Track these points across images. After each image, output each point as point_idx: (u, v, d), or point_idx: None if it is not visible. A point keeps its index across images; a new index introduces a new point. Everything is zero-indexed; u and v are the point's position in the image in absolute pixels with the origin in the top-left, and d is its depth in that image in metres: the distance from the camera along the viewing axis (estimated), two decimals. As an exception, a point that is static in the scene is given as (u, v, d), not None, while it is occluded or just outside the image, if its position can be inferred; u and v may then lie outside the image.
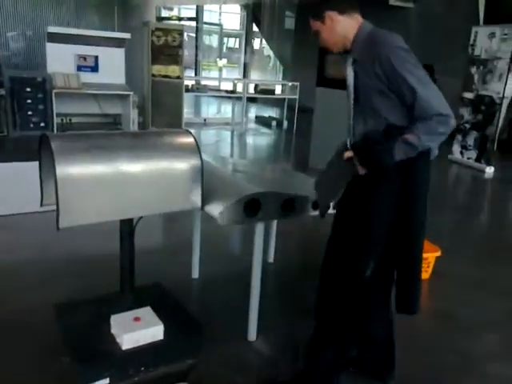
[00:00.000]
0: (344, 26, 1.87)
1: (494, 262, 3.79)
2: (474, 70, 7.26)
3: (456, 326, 2.78)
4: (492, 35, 6.89)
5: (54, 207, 1.74)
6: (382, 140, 1.75)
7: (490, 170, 7.04)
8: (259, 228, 2.32)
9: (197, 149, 2.02)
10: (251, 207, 2.18)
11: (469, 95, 7.36)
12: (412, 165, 1.77)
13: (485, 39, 7.03)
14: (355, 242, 1.93)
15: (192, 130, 2.17)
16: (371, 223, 1.88)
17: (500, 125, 7.74)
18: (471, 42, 7.29)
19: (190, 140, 2.05)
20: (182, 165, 2.00)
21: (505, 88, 6.77)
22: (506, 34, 6.63)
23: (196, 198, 2.07)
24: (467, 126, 7.41)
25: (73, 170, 1.72)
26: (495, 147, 7.97)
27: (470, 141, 7.37)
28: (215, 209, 2.14)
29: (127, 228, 2.10)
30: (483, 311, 3.00)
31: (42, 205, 1.98)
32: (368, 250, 1.93)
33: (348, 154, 1.84)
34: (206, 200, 2.12)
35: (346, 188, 1.93)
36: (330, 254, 2.06)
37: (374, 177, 1.81)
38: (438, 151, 1.87)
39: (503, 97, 6.85)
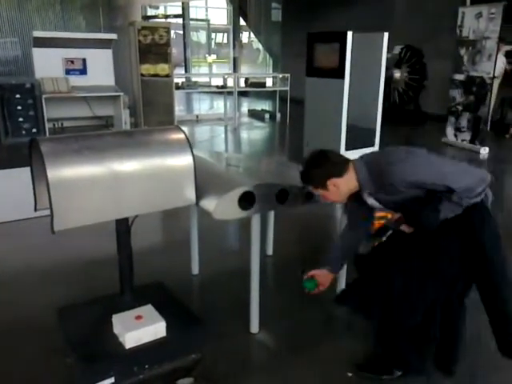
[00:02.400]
0: (346, 183, 1.97)
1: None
2: (463, 51, 7.24)
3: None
4: (479, 15, 6.87)
5: (49, 211, 1.74)
6: (425, 203, 1.85)
7: (484, 151, 7.04)
8: (255, 220, 2.32)
9: (188, 144, 2.02)
10: (246, 200, 2.19)
11: (459, 77, 7.35)
12: (469, 216, 1.84)
13: (472, 20, 7.01)
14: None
15: (185, 127, 2.17)
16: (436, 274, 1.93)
17: (492, 105, 7.74)
18: (459, 23, 7.26)
19: (181, 136, 2.04)
20: (174, 161, 2.01)
21: (495, 68, 6.76)
22: (492, 13, 6.61)
23: (190, 194, 2.07)
24: (459, 108, 7.41)
25: (64, 172, 1.72)
26: (488, 128, 7.98)
27: (464, 122, 7.37)
28: (210, 203, 2.14)
29: (123, 228, 2.10)
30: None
31: (36, 210, 1.98)
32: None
33: (404, 227, 2.00)
34: (200, 195, 2.12)
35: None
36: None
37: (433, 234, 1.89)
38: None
39: (493, 77, 6.84)
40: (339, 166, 1.97)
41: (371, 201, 2.02)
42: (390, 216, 2.15)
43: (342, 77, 5.75)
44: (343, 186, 1.97)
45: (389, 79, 8.63)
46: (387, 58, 6.17)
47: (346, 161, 1.99)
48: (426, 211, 1.85)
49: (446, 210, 1.82)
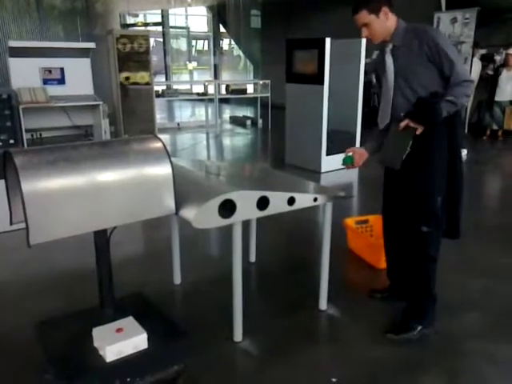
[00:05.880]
0: (391, 21, 2.34)
1: (474, 242, 3.84)
2: (439, 55, 7.37)
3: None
4: (454, 20, 7.01)
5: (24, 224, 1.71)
6: (432, 102, 2.23)
7: (463, 153, 7.11)
8: (236, 228, 2.31)
9: (166, 153, 2.00)
10: (226, 208, 2.18)
11: (437, 81, 7.48)
12: (453, 119, 2.31)
13: (447, 25, 7.16)
14: (425, 186, 2.37)
15: (166, 135, 2.18)
16: (435, 167, 2.34)
17: (469, 108, 7.89)
18: (434, 27, 7.40)
19: (159, 145, 2.03)
20: (152, 170, 1.99)
21: (471, 71, 6.90)
22: (467, 19, 6.76)
23: (169, 203, 2.05)
24: (437, 111, 7.53)
25: (39, 184, 1.68)
26: (466, 130, 8.13)
27: (442, 125, 7.48)
28: (190, 212, 2.12)
29: (102, 239, 2.07)
30: (461, 291, 3.05)
31: (11, 223, 1.94)
32: (436, 187, 2.36)
33: (404, 123, 2.29)
34: (180, 204, 2.11)
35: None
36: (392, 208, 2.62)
37: (430, 134, 2.29)
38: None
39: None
40: (391, 3, 2.35)
41: (389, 60, 2.36)
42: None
43: (322, 83, 5.80)
44: (390, 20, 2.32)
45: (368, 84, 8.73)
46: (366, 64, 6.24)
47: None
48: (433, 106, 2.22)
49: (445, 109, 2.20)
